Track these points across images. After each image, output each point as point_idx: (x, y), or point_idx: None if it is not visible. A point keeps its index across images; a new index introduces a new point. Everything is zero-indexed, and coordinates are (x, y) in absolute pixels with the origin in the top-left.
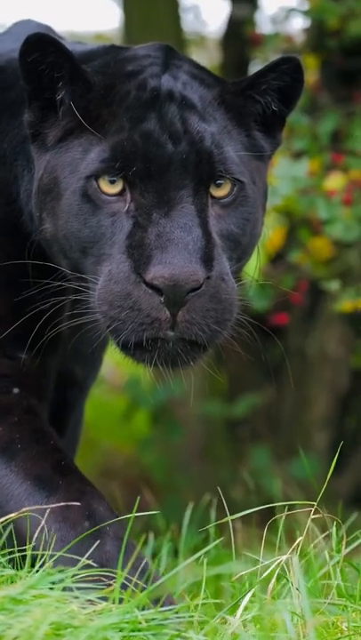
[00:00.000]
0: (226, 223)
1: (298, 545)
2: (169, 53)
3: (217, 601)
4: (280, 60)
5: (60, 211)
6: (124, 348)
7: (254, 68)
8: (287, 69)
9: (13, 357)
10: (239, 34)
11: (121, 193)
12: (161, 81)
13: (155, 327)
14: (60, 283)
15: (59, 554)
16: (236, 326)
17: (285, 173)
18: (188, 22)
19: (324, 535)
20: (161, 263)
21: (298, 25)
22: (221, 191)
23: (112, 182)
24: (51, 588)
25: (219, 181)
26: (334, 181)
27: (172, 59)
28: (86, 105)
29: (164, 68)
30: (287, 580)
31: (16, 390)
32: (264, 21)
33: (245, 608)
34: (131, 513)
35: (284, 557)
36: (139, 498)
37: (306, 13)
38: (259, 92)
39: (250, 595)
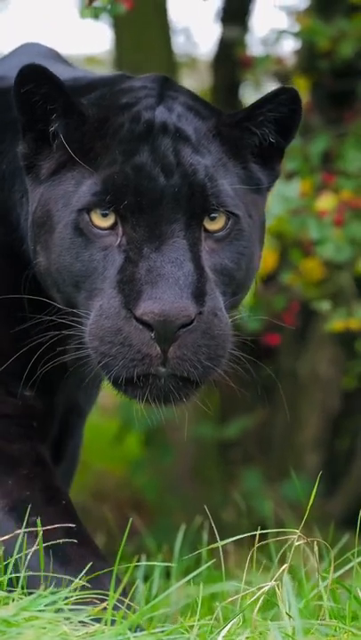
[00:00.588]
0: (220, 257)
1: (286, 568)
2: (165, 84)
3: (209, 622)
4: (277, 90)
5: (52, 244)
6: (116, 383)
7: (245, 90)
8: (284, 100)
9: (17, 395)
10: (230, 56)
11: (113, 227)
12: (155, 113)
13: (145, 363)
14: (51, 318)
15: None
16: (230, 362)
17: (277, 194)
18: (179, 44)
19: (314, 558)
20: (151, 298)
21: (289, 47)
22: (215, 225)
23: (104, 216)
24: (42, 610)
25: (213, 215)
26: (325, 202)
27: (167, 90)
28: (80, 138)
29: (159, 99)
30: (276, 602)
31: (23, 435)
32: (255, 43)
33: (237, 629)
34: (122, 535)
35: (270, 583)
36: (131, 520)
37: (296, 35)
38: (255, 123)
39: (240, 616)
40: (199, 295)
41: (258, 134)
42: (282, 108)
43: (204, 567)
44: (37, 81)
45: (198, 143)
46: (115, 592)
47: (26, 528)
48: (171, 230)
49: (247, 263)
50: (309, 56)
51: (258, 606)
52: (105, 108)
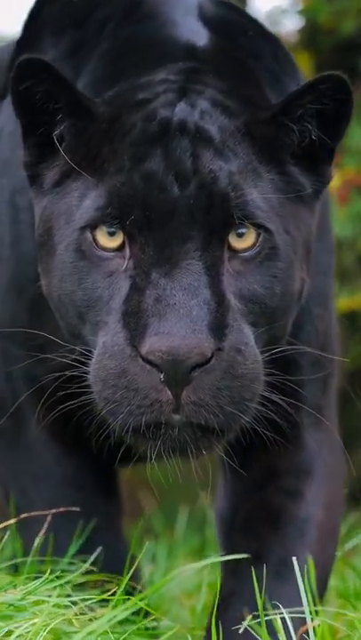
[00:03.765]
0: (247, 282)
1: None
2: (191, 77)
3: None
4: (318, 78)
5: (53, 267)
6: (124, 433)
7: None
8: (328, 89)
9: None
10: None
11: (120, 248)
12: (174, 110)
13: (155, 410)
14: (51, 356)
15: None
16: (261, 406)
17: None
18: None
19: None
20: (158, 334)
21: (291, 24)
22: (244, 242)
23: (111, 235)
24: (49, 595)
25: (240, 230)
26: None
27: (193, 83)
28: (86, 141)
29: (181, 94)
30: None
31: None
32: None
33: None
34: (130, 515)
35: None
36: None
37: (299, 12)
38: (293, 118)
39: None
40: (218, 328)
41: (296, 131)
42: (325, 99)
43: (209, 562)
44: (37, 76)
45: (222, 145)
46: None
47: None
48: (184, 250)
49: (283, 288)
50: (312, 33)
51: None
52: (118, 105)
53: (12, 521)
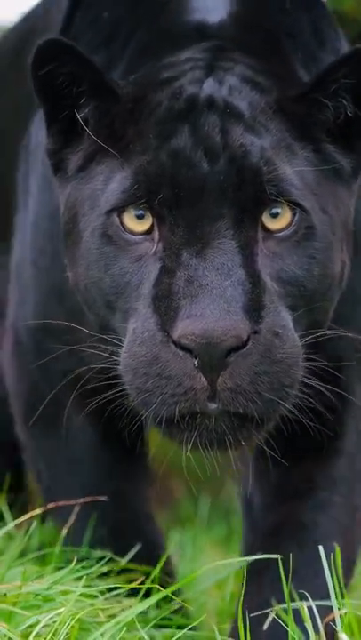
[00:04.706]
0: (284, 263)
1: None
2: (219, 54)
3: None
4: (352, 51)
5: (79, 256)
6: (156, 424)
7: None
8: None
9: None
10: None
11: (150, 231)
12: (202, 87)
13: (190, 399)
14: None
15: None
16: (300, 393)
17: None
18: None
19: None
20: (190, 316)
21: None
22: (278, 223)
23: (139, 218)
24: (77, 586)
25: (273, 209)
26: None
27: (221, 60)
28: (111, 123)
29: (208, 71)
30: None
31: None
32: None
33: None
34: (159, 503)
35: None
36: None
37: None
38: (327, 94)
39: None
40: (254, 310)
41: (330, 107)
42: (360, 73)
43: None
44: (59, 58)
45: (253, 120)
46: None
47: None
48: (215, 229)
49: (322, 270)
50: (337, 20)
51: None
52: (142, 85)
53: (38, 511)
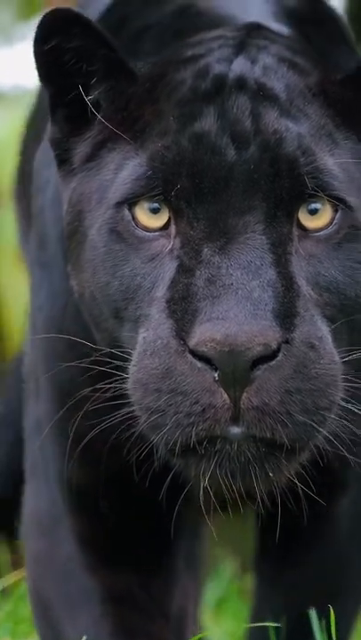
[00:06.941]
0: (323, 267)
1: None
2: (253, 32)
3: None
4: None
5: (84, 259)
6: (169, 452)
7: None
8: None
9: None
10: None
11: (166, 226)
12: (231, 66)
13: (208, 420)
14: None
15: None
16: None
17: None
18: None
19: None
20: (210, 320)
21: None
22: (317, 220)
23: (154, 211)
24: None
25: (313, 206)
26: None
27: (255, 38)
28: (125, 105)
29: (239, 49)
30: None
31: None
32: None
33: None
34: None
35: None
36: None
37: None
38: None
39: None
40: (286, 316)
41: None
42: None
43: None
44: (67, 31)
45: (290, 104)
46: None
47: None
48: (243, 223)
49: None
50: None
51: None
52: (163, 64)
53: None
